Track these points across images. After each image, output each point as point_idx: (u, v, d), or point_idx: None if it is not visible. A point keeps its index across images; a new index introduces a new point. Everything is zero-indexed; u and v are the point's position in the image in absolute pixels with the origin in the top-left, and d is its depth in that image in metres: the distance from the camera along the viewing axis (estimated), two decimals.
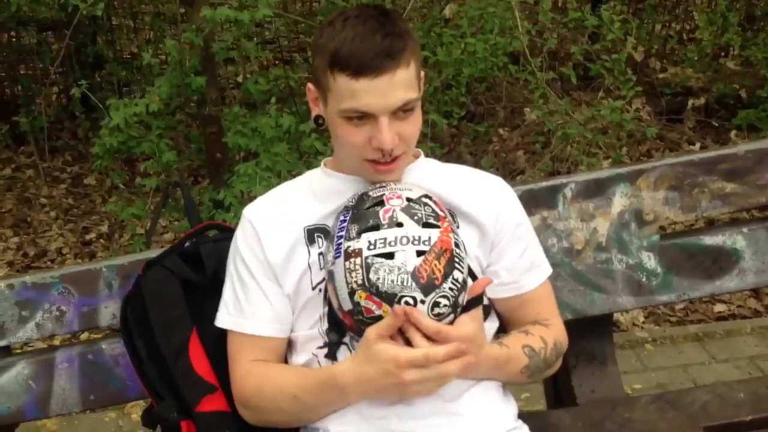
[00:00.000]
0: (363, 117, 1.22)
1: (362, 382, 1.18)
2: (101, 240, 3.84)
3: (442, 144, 3.70)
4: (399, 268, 1.15)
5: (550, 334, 1.38)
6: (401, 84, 1.21)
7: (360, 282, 1.16)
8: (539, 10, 3.13)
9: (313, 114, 1.35)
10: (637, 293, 1.65)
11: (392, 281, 1.14)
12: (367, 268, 1.16)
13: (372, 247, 1.17)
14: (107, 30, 4.85)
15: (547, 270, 1.44)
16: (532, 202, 1.63)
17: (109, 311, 1.59)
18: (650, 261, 1.65)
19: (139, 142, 2.66)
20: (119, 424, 2.61)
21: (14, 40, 4.94)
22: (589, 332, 1.71)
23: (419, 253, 1.16)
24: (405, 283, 1.14)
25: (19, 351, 1.70)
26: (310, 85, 1.33)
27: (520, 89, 3.95)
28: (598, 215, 1.64)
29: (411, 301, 1.14)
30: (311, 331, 1.31)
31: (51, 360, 1.58)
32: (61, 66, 4.74)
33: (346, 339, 1.27)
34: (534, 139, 3.82)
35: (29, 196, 4.34)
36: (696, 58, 4.88)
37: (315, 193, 1.36)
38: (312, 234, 1.32)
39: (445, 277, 1.16)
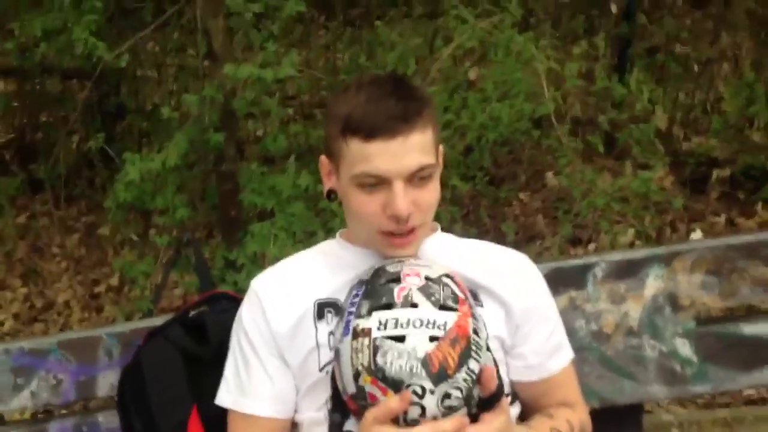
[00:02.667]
0: (376, 184, 1.15)
1: None
2: (110, 293, 3.76)
3: (460, 206, 3.63)
4: (409, 353, 1.05)
5: (575, 416, 1.30)
6: (416, 147, 1.14)
7: (366, 364, 1.07)
8: (565, 77, 3.09)
9: (326, 188, 1.28)
10: (670, 383, 1.55)
11: (400, 366, 1.05)
12: (375, 350, 1.07)
13: (382, 327, 1.08)
14: (131, 80, 4.87)
15: (570, 352, 1.36)
16: (559, 281, 1.54)
17: (107, 381, 1.51)
18: (685, 349, 1.55)
19: (153, 197, 2.60)
20: None
21: (38, 87, 4.96)
22: (618, 423, 1.59)
23: (432, 339, 1.06)
24: (414, 370, 1.04)
25: (16, 419, 1.62)
26: (323, 158, 1.26)
27: (542, 154, 3.88)
28: (629, 298, 1.55)
29: (419, 390, 1.04)
30: (317, 414, 1.22)
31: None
32: (83, 115, 4.74)
33: (351, 425, 1.17)
34: (556, 204, 3.74)
35: (41, 246, 4.28)
36: (720, 129, 4.81)
37: (327, 266, 1.29)
38: (322, 309, 1.24)
39: (459, 366, 1.06)
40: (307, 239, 2.60)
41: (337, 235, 1.36)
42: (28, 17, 3.52)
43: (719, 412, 2.78)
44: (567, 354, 1.34)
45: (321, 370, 1.22)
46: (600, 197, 2.80)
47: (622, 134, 2.99)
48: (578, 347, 1.38)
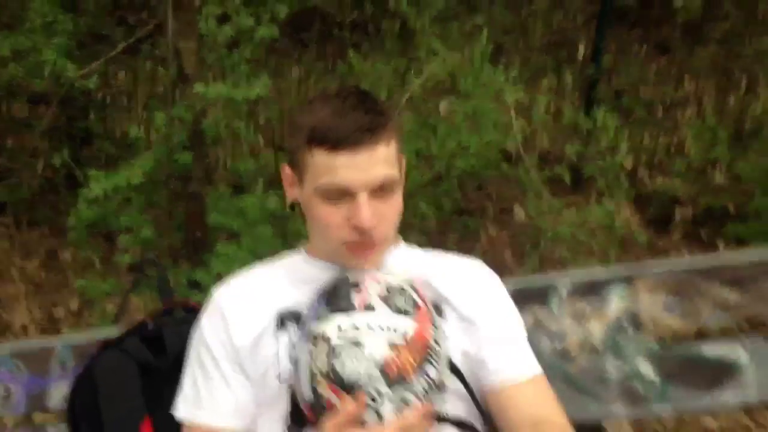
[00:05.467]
0: (341, 196, 1.15)
1: None
2: (70, 318, 3.66)
3: (428, 238, 3.62)
4: (367, 358, 1.05)
5: None
6: (381, 160, 1.15)
7: (324, 370, 1.07)
8: (533, 112, 3.14)
9: (289, 199, 1.27)
10: (632, 402, 1.55)
11: (357, 372, 1.05)
12: (333, 354, 1.06)
13: (340, 332, 1.08)
14: (99, 106, 4.83)
15: (537, 367, 1.30)
16: (523, 299, 1.53)
17: (59, 393, 1.46)
18: (647, 369, 1.55)
19: (118, 216, 2.56)
20: None
21: (5, 111, 4.90)
22: None
23: (391, 344, 1.06)
24: (372, 375, 1.04)
25: None
26: (285, 168, 1.26)
27: (510, 188, 3.92)
28: (593, 317, 1.56)
29: (375, 394, 1.04)
30: (276, 428, 1.20)
31: None
32: (50, 139, 4.68)
33: None
34: (523, 239, 3.76)
35: (0, 268, 4.18)
36: (683, 170, 4.92)
37: (290, 279, 1.28)
38: (283, 319, 1.23)
39: (418, 372, 1.06)
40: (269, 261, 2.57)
41: (301, 249, 1.35)
42: None
43: None
44: (532, 366, 1.29)
45: (281, 382, 1.20)
46: (566, 227, 2.82)
47: (589, 167, 3.03)
48: (543, 366, 1.35)
